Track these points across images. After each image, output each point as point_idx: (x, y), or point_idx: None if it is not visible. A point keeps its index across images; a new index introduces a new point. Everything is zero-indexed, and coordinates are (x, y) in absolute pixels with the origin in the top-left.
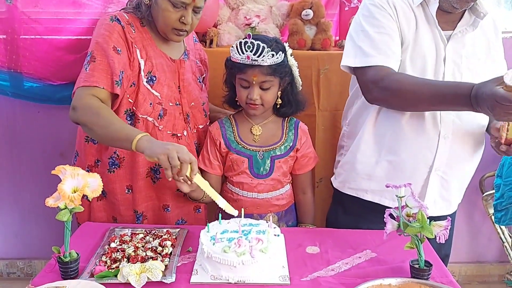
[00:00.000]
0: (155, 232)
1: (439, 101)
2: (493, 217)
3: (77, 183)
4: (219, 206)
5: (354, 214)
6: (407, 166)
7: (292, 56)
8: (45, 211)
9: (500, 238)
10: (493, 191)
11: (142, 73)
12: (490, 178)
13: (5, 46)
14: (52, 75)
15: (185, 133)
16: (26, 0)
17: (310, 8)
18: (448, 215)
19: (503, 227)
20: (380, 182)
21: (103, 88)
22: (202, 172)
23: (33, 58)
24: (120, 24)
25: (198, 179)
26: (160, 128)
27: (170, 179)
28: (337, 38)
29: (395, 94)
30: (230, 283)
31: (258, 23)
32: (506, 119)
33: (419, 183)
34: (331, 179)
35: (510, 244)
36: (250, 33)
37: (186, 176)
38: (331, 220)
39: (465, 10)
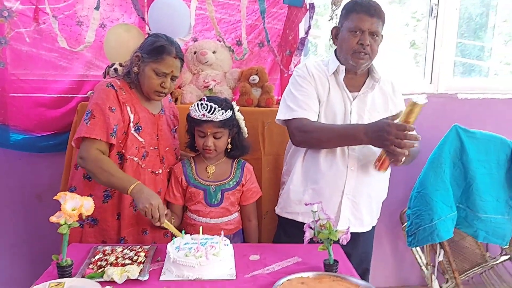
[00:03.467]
0: (131, 247)
1: (342, 138)
2: None
3: (75, 204)
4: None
5: (291, 235)
6: (325, 192)
7: (239, 112)
8: (20, 250)
9: (418, 263)
10: None
11: (131, 124)
12: None
13: None
14: (35, 127)
15: (160, 171)
16: (16, 64)
17: (256, 74)
18: (363, 233)
19: (420, 253)
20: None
21: (101, 139)
22: (168, 203)
23: (19, 113)
24: (114, 89)
25: (165, 224)
26: (142, 166)
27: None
28: (279, 97)
29: (312, 136)
30: (190, 279)
31: (214, 85)
32: (393, 148)
33: (335, 205)
34: (275, 208)
35: (425, 266)
36: (205, 96)
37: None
38: (276, 242)
39: (367, 77)
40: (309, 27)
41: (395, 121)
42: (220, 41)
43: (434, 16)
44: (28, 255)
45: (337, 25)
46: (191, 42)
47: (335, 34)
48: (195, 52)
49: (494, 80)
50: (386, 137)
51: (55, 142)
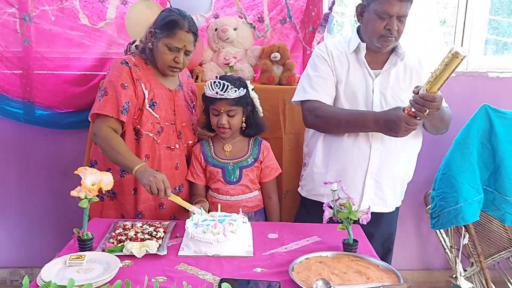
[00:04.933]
0: (150, 223)
1: (351, 125)
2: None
3: (95, 179)
4: (189, 210)
5: (314, 214)
6: (349, 172)
7: (253, 90)
8: (48, 223)
9: (442, 246)
10: None
11: (146, 100)
12: None
13: (21, 80)
14: (60, 104)
15: (177, 146)
16: (40, 41)
17: (278, 52)
18: (386, 213)
19: (445, 236)
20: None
21: (112, 116)
22: (191, 184)
23: (44, 90)
24: (128, 66)
25: (172, 197)
26: (158, 142)
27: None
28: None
29: (322, 121)
30: (208, 255)
31: (235, 63)
32: (402, 134)
33: (359, 185)
34: (298, 190)
35: (449, 249)
36: (217, 75)
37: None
38: (297, 221)
39: (391, 53)
40: (333, 3)
41: (421, 90)
42: (242, 18)
43: None
44: (54, 228)
45: (362, 1)
46: (212, 19)
47: (360, 11)
48: (216, 29)
49: None
50: (396, 128)
51: (79, 119)
